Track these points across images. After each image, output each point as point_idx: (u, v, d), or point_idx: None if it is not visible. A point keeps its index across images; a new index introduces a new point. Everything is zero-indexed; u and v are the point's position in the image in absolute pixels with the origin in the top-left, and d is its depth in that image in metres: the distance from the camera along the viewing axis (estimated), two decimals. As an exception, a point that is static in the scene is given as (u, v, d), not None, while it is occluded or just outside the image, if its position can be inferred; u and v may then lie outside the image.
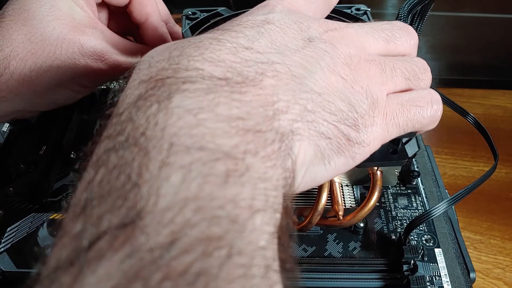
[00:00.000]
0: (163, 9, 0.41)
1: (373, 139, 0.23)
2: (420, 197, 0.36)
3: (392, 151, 0.28)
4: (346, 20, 0.33)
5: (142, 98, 0.18)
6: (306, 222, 0.31)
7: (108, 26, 0.39)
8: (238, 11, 0.33)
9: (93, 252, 0.14)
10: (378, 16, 0.30)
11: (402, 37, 0.26)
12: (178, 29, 0.41)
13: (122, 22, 0.40)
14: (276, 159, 0.18)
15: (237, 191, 0.16)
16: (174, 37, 0.40)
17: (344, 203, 0.33)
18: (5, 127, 0.41)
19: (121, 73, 0.36)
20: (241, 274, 0.14)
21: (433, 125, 0.26)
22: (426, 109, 0.24)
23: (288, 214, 0.18)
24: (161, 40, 0.39)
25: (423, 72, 0.26)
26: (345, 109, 0.22)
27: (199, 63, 0.19)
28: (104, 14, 0.39)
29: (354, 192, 0.34)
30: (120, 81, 0.47)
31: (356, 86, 0.22)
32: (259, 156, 0.17)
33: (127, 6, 0.38)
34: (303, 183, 0.21)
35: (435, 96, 0.25)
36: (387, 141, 0.24)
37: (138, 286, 0.13)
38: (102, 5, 0.38)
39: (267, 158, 0.18)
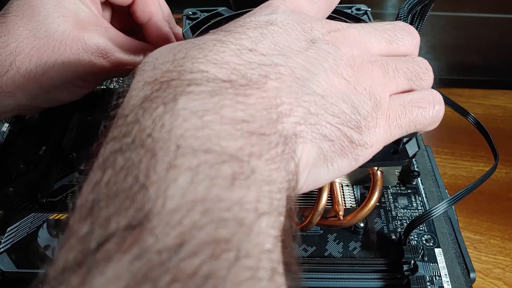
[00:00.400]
0: (166, 9, 0.41)
1: (376, 141, 0.23)
2: (420, 197, 0.36)
3: (393, 151, 0.28)
4: (347, 20, 0.33)
5: (148, 100, 0.18)
6: (307, 222, 0.31)
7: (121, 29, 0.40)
8: (239, 11, 0.33)
9: (101, 253, 0.14)
10: (378, 16, 0.30)
11: (404, 37, 0.26)
12: (178, 30, 0.42)
13: (125, 22, 0.40)
14: (280, 162, 0.18)
15: (243, 194, 0.16)
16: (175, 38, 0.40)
17: (345, 203, 0.33)
18: (5, 127, 0.41)
19: (123, 70, 0.36)
20: (249, 277, 0.14)
21: (435, 125, 0.26)
22: (428, 110, 0.24)
23: (292, 217, 0.18)
24: (164, 40, 0.39)
25: (425, 72, 0.26)
26: (348, 111, 0.21)
27: (203, 65, 0.19)
28: (107, 13, 0.40)
29: (354, 192, 0.34)
30: (121, 81, 0.47)
31: (359, 87, 0.22)
32: (264, 158, 0.17)
33: (130, 5, 0.38)
34: (305, 185, 0.21)
35: (437, 97, 0.25)
36: (390, 142, 0.24)
37: None
38: (106, 4, 0.38)
39: (271, 161, 0.18)
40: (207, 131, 0.17)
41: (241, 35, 0.21)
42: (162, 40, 0.39)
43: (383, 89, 0.23)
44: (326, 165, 0.21)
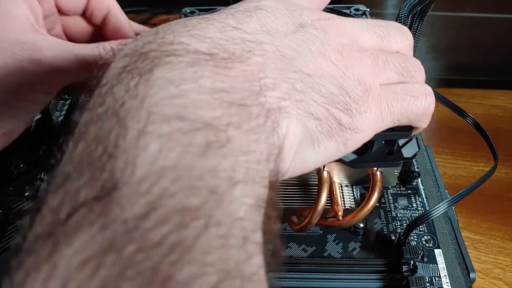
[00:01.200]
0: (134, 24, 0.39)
1: (367, 126, 0.22)
2: (420, 198, 0.36)
3: (387, 152, 0.28)
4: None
5: (125, 71, 0.18)
6: (306, 222, 0.30)
7: (80, 41, 0.37)
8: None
9: (70, 224, 0.14)
10: (378, 16, 0.30)
11: (397, 35, 0.26)
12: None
13: (91, 34, 0.38)
14: (261, 133, 0.18)
15: (217, 162, 0.16)
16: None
17: (344, 204, 0.33)
18: (5, 127, 0.41)
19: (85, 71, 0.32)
20: (219, 245, 0.14)
21: (427, 119, 0.25)
22: (420, 99, 0.24)
23: (274, 190, 0.18)
24: (123, 30, 0.36)
25: (417, 70, 0.26)
26: (336, 92, 0.21)
27: (185, 38, 0.19)
28: (84, 29, 0.37)
29: (354, 193, 0.34)
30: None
31: (347, 72, 0.22)
32: (243, 129, 0.17)
33: (86, 10, 0.36)
34: (292, 167, 0.21)
35: (428, 89, 0.25)
36: (382, 130, 0.24)
37: (112, 258, 0.13)
38: (60, 17, 0.36)
39: (250, 132, 0.17)
40: (184, 100, 0.17)
41: (228, 15, 0.21)
42: (121, 36, 0.36)
43: (373, 78, 0.23)
44: (312, 146, 0.21)
